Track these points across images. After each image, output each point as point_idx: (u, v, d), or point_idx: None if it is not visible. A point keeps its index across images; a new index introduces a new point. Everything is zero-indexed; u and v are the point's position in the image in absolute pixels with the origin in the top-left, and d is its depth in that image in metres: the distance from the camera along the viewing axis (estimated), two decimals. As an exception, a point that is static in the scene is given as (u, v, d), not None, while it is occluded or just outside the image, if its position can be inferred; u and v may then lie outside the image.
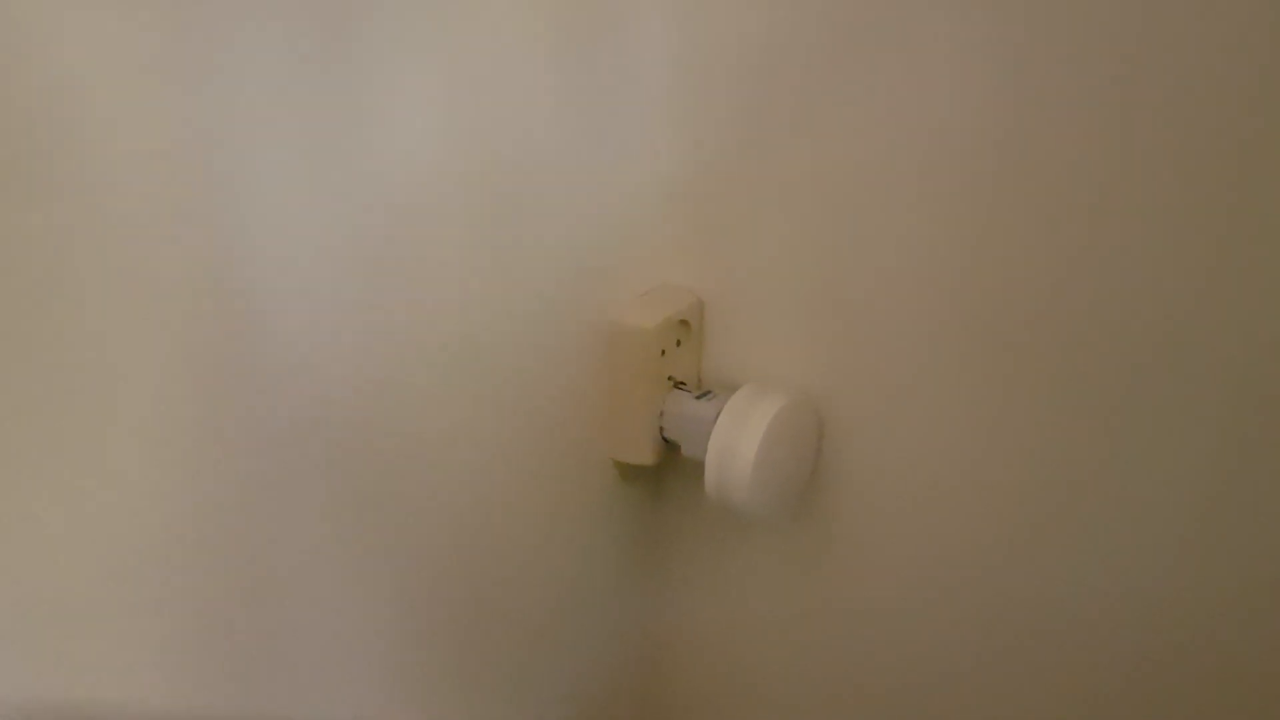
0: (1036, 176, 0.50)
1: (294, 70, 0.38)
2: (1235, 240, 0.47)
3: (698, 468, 0.60)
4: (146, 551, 0.38)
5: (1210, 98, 0.45)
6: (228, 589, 0.42)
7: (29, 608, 0.35)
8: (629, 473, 0.69)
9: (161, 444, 0.38)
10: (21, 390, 0.33)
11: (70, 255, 0.33)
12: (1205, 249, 0.48)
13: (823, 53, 0.54)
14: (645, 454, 0.65)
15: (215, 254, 0.38)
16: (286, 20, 0.38)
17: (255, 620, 0.44)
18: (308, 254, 0.41)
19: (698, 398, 0.63)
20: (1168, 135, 0.46)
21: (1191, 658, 0.56)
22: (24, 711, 0.35)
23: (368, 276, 0.45)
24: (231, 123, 0.37)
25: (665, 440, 0.65)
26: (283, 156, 0.39)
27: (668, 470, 0.73)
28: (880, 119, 0.54)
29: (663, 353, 0.63)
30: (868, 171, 0.55)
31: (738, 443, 0.57)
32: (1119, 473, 0.54)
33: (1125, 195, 0.48)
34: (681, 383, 0.65)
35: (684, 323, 0.64)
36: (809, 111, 0.56)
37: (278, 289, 0.40)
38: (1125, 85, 0.46)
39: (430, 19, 0.44)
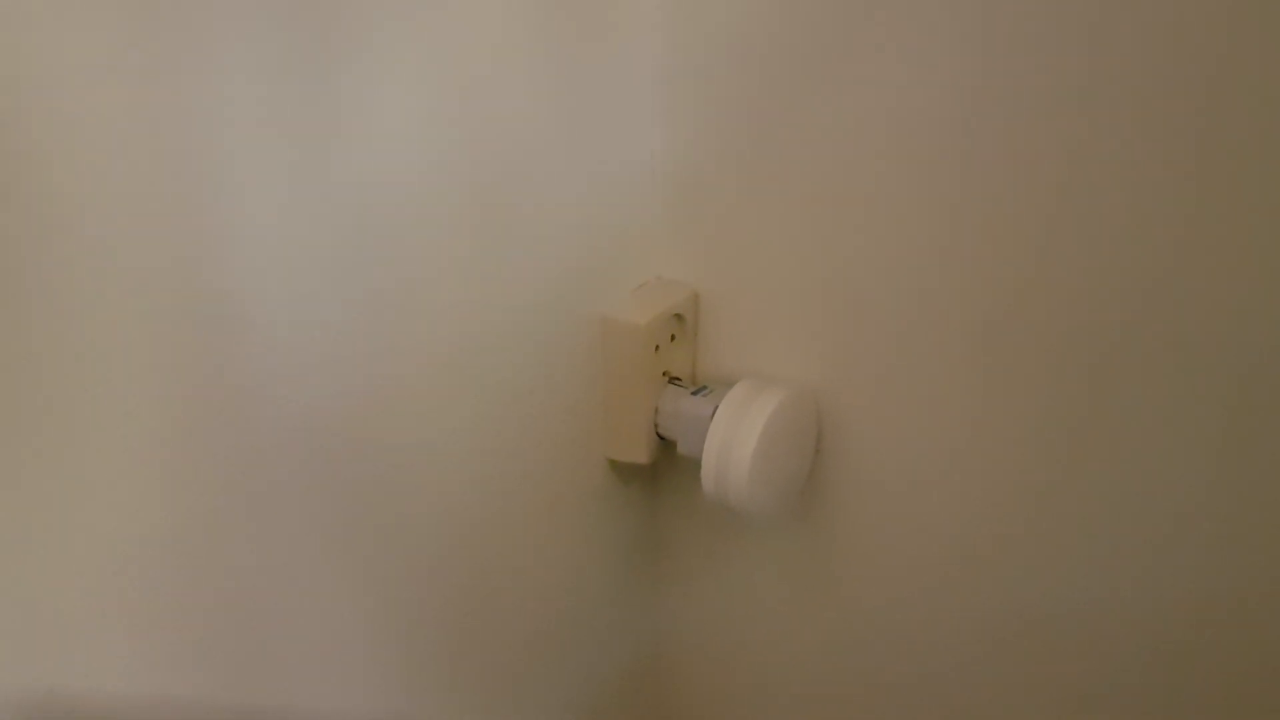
0: (1031, 169, 0.49)
1: (280, 71, 0.37)
2: (1229, 233, 0.46)
3: (694, 465, 0.59)
4: (132, 559, 0.38)
5: (1202, 92, 0.44)
6: (216, 597, 0.41)
7: (18, 612, 0.34)
8: (625, 471, 0.68)
9: (145, 451, 0.37)
10: (3, 398, 0.32)
11: (46, 259, 0.32)
12: (1201, 243, 0.47)
13: (815, 47, 0.53)
14: (640, 452, 0.64)
15: (198, 259, 0.36)
16: (272, 25, 0.36)
17: (245, 629, 0.43)
18: (293, 257, 0.40)
19: (693, 393, 0.62)
20: (1161, 128, 0.45)
21: (1190, 655, 0.55)
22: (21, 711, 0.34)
23: (355, 279, 0.43)
24: (216, 126, 0.36)
25: (660, 438, 0.64)
26: (267, 155, 0.38)
27: (664, 468, 0.71)
28: (873, 111, 0.53)
29: (656, 348, 0.61)
30: (861, 163, 0.54)
31: (735, 439, 0.56)
32: (1122, 465, 0.53)
33: (1120, 190, 0.47)
34: (676, 378, 0.64)
35: (678, 317, 0.63)
36: (802, 105, 0.55)
37: (263, 293, 0.39)
38: (1116, 80, 0.45)
39: (418, 18, 0.43)
